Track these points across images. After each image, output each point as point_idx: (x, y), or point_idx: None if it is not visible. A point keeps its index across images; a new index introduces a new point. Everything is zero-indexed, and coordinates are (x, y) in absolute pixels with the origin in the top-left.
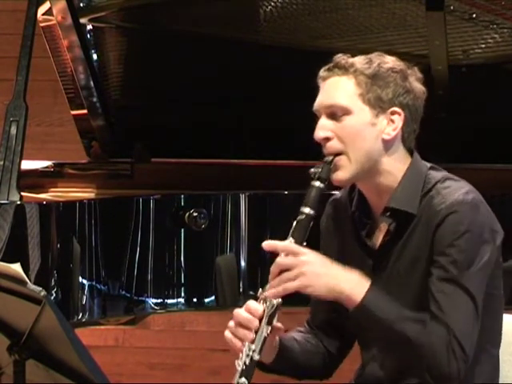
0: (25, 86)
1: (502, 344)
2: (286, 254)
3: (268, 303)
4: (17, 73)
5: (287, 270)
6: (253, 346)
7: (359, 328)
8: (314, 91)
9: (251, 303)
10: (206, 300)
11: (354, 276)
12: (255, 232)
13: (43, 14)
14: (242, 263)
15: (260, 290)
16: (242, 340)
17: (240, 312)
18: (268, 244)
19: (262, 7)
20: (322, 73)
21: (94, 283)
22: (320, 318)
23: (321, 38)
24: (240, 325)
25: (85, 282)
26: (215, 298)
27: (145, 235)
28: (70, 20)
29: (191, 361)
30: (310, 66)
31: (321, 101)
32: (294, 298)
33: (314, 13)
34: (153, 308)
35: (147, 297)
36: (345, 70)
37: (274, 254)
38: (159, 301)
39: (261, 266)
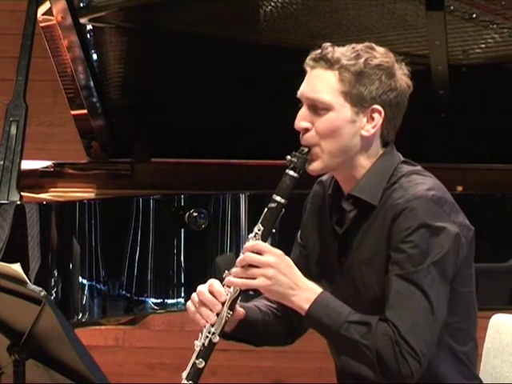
0: (25, 86)
1: (502, 344)
2: (255, 252)
3: (231, 288)
4: (17, 73)
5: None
6: (212, 329)
7: None
8: None
9: (216, 285)
10: None
11: (307, 286)
12: None
13: (43, 14)
14: None
15: (226, 271)
16: (203, 318)
17: (205, 292)
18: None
19: (262, 7)
20: (309, 61)
21: (94, 283)
22: None
23: (321, 37)
24: (203, 304)
25: (85, 281)
26: None
27: (145, 235)
28: (69, 20)
29: None
30: None
31: (304, 91)
32: None
33: (314, 13)
34: (153, 308)
35: (147, 297)
36: (330, 64)
37: None
38: (159, 301)
39: None
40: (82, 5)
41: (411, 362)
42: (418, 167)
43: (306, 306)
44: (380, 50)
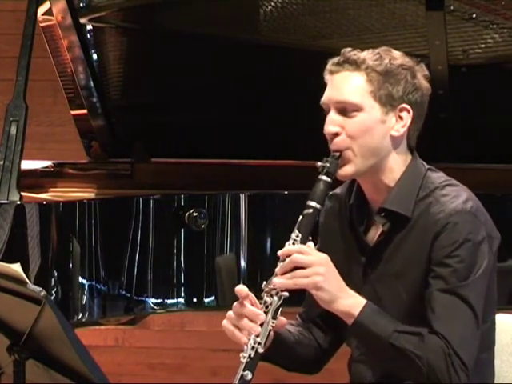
0: (25, 86)
1: (501, 344)
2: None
3: (274, 297)
4: (17, 73)
5: (301, 267)
6: (258, 339)
7: (346, 329)
8: (313, 91)
9: (254, 297)
10: (206, 300)
11: (352, 292)
12: (255, 232)
13: (43, 14)
14: (242, 263)
15: (264, 282)
16: (247, 332)
17: (245, 304)
18: (282, 252)
19: (262, 7)
20: (331, 66)
21: (94, 283)
22: (314, 311)
23: (321, 37)
24: (244, 317)
25: (85, 282)
26: (215, 298)
27: (145, 235)
28: (69, 20)
29: (191, 361)
30: (309, 66)
31: (331, 95)
32: (295, 299)
33: (314, 13)
34: (153, 308)
35: (147, 297)
36: (356, 65)
37: (274, 255)
38: (159, 301)
39: (261, 266)
40: (81, 5)
41: (462, 375)
42: (441, 173)
43: (354, 312)
44: (397, 52)
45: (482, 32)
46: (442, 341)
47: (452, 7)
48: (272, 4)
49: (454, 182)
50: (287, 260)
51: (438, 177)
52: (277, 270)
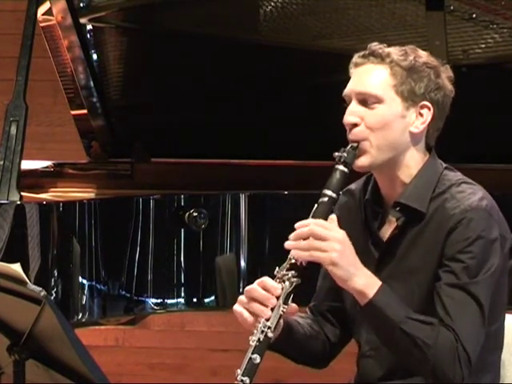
0: (25, 86)
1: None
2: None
3: (286, 282)
4: (17, 73)
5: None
6: (268, 323)
7: (356, 324)
8: (313, 91)
9: (268, 281)
10: (206, 300)
11: (368, 272)
12: (255, 232)
13: (43, 14)
14: (242, 263)
15: (277, 268)
16: (257, 316)
17: (256, 288)
18: (300, 223)
19: (262, 7)
20: (356, 59)
21: (94, 283)
22: (324, 305)
23: (321, 37)
24: (255, 301)
25: (85, 282)
26: (215, 298)
27: (145, 235)
28: (69, 20)
29: (191, 361)
30: (309, 66)
31: (353, 86)
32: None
33: (314, 13)
34: (153, 308)
35: (147, 297)
36: (381, 58)
37: (274, 255)
38: (159, 301)
39: (261, 266)
40: (81, 5)
41: (465, 370)
42: (459, 173)
43: (369, 292)
44: (423, 52)
45: (482, 32)
46: (451, 333)
47: (452, 7)
48: (272, 4)
49: (471, 180)
50: (305, 228)
51: (455, 175)
52: (292, 235)
